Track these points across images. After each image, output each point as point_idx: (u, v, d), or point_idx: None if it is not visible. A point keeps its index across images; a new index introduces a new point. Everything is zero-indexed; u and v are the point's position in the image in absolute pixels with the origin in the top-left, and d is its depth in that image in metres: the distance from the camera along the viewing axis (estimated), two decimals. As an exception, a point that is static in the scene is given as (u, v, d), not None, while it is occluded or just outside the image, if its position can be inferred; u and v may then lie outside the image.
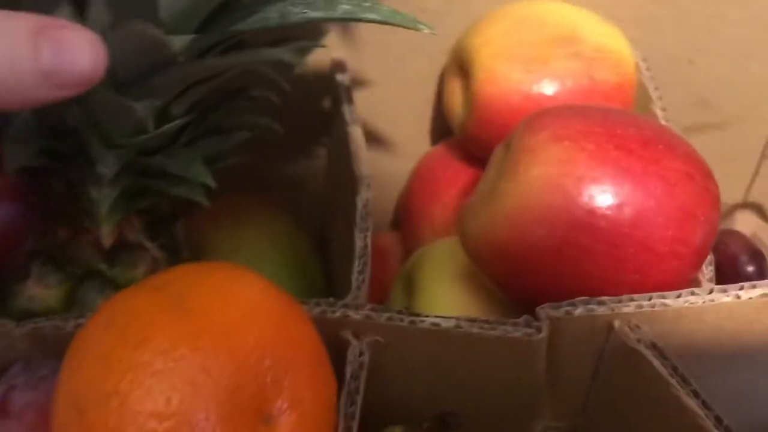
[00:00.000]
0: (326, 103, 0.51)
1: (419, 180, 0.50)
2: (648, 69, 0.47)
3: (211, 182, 0.33)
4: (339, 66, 0.48)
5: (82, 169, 0.33)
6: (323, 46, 0.40)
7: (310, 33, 0.46)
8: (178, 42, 0.28)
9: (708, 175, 0.33)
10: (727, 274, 0.50)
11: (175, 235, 0.41)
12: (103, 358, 0.24)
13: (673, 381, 0.29)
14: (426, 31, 0.33)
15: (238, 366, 0.25)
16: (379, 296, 0.50)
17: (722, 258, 0.50)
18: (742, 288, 0.31)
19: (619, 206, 0.31)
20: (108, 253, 0.36)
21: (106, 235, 0.34)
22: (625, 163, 0.32)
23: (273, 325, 0.27)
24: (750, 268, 0.49)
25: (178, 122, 0.32)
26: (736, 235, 0.52)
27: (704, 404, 0.28)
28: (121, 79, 0.30)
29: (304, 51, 0.37)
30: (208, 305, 0.26)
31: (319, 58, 0.49)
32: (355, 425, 0.29)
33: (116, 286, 0.36)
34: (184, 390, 0.24)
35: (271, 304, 0.27)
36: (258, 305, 0.27)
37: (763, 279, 0.50)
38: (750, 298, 0.31)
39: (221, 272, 0.27)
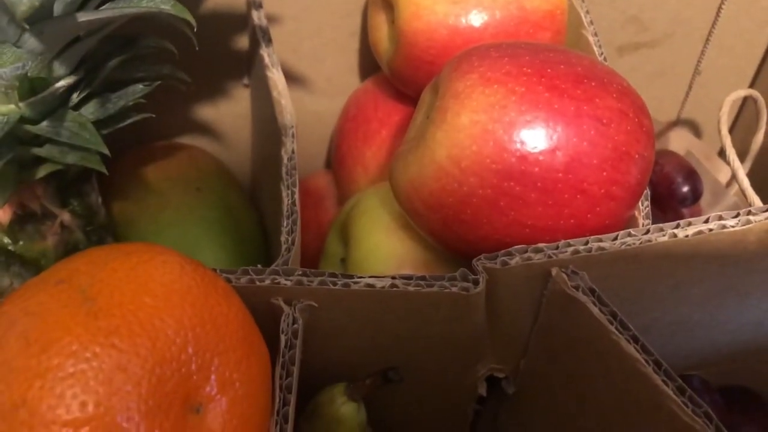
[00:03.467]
0: (244, 42, 0.48)
1: (350, 121, 0.48)
2: (579, -10, 0.45)
3: (104, 149, 0.30)
4: (254, 3, 0.45)
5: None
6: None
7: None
8: (27, 0, 0.25)
9: (641, 110, 0.32)
10: (663, 196, 0.50)
11: (88, 197, 0.38)
12: (6, 366, 0.22)
13: (612, 327, 0.29)
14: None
15: (159, 358, 0.23)
16: (316, 240, 0.49)
17: (658, 179, 0.50)
18: (678, 226, 0.31)
19: (551, 151, 0.30)
20: (9, 227, 0.33)
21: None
22: (557, 104, 0.30)
23: (194, 308, 0.25)
24: (685, 189, 0.49)
25: (62, 83, 0.29)
26: (671, 155, 0.52)
27: (644, 349, 0.28)
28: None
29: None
30: (119, 296, 0.24)
31: (233, -6, 0.46)
32: (292, 397, 0.28)
33: (24, 261, 0.34)
34: (100, 392, 0.22)
35: (190, 287, 0.25)
36: (176, 289, 0.25)
37: (698, 198, 0.50)
38: (686, 236, 0.30)
39: (132, 257, 0.25)
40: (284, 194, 0.35)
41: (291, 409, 0.28)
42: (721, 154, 0.53)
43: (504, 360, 0.37)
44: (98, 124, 0.32)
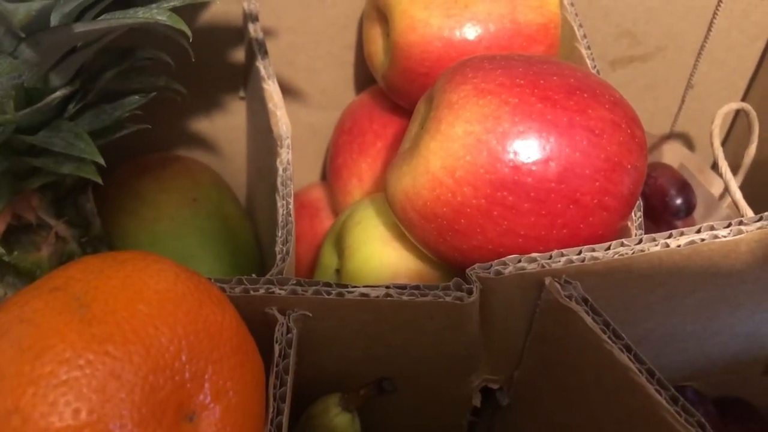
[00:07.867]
0: (240, 55, 0.48)
1: (345, 133, 0.48)
2: (572, 4, 0.45)
3: (99, 159, 0.30)
4: (251, 16, 0.45)
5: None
6: (208, 2, 0.37)
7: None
8: (23, 10, 0.25)
9: (634, 121, 0.33)
10: (657, 208, 0.50)
11: (83, 208, 0.38)
12: (-1, 373, 0.22)
13: (605, 336, 0.29)
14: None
15: (152, 366, 0.23)
16: (311, 252, 0.49)
17: (651, 191, 0.51)
18: (670, 236, 0.31)
19: (544, 161, 0.30)
20: (4, 238, 0.33)
21: None
22: (550, 115, 0.30)
23: (188, 317, 0.25)
24: (678, 201, 0.50)
25: (58, 94, 0.29)
26: (664, 167, 0.52)
27: (637, 358, 0.28)
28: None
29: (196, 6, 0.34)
30: (113, 304, 0.24)
31: (229, 8, 0.46)
32: (286, 407, 0.28)
33: (18, 271, 0.34)
34: (93, 399, 0.22)
35: (184, 295, 0.25)
36: (170, 298, 0.25)
37: (691, 210, 0.50)
38: (678, 246, 0.31)
39: (127, 265, 0.25)
40: (279, 204, 0.35)
41: (285, 419, 0.28)
42: (714, 167, 0.53)
43: (498, 370, 0.37)
44: (94, 134, 0.32)
